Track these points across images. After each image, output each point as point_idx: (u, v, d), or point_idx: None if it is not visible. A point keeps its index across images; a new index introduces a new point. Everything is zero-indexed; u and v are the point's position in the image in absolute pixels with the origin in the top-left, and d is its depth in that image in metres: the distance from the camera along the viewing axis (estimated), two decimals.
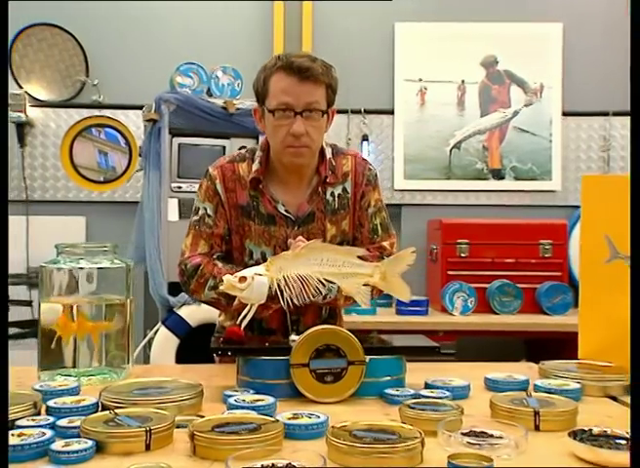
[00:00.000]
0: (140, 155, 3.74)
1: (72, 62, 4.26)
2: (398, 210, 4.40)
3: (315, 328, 1.55)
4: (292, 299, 1.58)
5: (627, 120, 4.17)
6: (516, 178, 4.41)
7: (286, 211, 1.95)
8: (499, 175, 4.41)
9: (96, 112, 4.29)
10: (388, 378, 1.58)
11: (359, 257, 1.65)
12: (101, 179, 4.31)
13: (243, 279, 1.57)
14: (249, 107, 3.51)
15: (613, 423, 1.37)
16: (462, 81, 4.41)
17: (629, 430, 1.10)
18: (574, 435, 1.19)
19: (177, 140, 3.57)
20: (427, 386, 1.61)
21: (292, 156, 1.89)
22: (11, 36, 4.18)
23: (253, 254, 1.96)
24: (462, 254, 3.94)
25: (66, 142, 4.27)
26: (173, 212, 3.52)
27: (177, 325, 3.38)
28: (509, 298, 3.83)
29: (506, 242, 3.94)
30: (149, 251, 3.45)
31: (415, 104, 4.40)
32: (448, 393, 1.53)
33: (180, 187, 3.56)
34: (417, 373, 1.70)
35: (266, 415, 1.30)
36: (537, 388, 1.58)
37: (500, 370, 1.75)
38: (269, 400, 1.43)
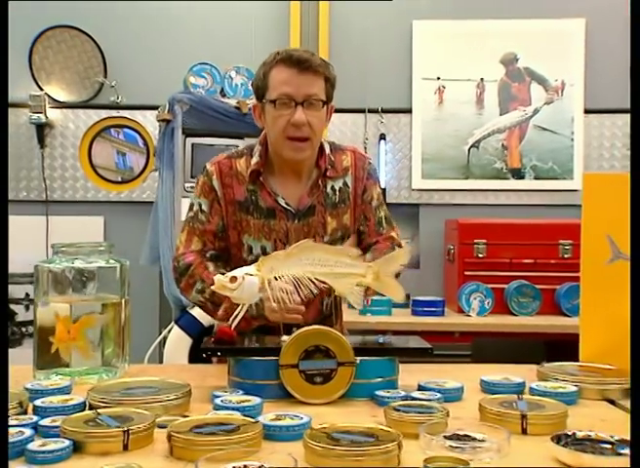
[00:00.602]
0: (154, 155, 3.75)
1: (91, 64, 4.29)
2: (416, 209, 4.38)
3: (305, 328, 1.53)
4: (283, 300, 1.57)
5: None
6: (536, 178, 4.36)
7: (286, 203, 1.95)
8: (518, 174, 4.36)
9: (114, 113, 4.32)
10: (380, 380, 1.56)
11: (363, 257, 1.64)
12: (119, 180, 4.34)
13: (234, 279, 1.56)
14: None
15: (605, 427, 1.34)
16: (481, 79, 4.37)
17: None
18: (557, 439, 1.16)
19: (190, 140, 3.58)
20: (420, 388, 1.58)
21: (292, 151, 1.89)
22: (31, 38, 4.23)
23: (252, 249, 1.96)
24: (480, 255, 3.90)
25: (85, 143, 4.31)
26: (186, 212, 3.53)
27: (189, 324, 3.38)
28: (528, 299, 3.78)
29: (525, 242, 3.88)
30: (163, 250, 3.47)
31: (433, 103, 4.37)
32: (439, 395, 1.50)
33: (193, 187, 3.55)
34: (417, 375, 1.69)
35: (249, 416, 1.29)
36: (532, 391, 1.55)
37: (504, 372, 1.72)
38: (256, 401, 1.42)
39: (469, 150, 4.37)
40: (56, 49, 4.27)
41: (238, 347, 1.60)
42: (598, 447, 1.15)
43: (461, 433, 1.23)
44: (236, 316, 1.60)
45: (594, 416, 1.43)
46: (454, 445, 1.17)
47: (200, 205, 1.99)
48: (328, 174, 1.98)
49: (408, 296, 3.78)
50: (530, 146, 4.37)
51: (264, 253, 1.90)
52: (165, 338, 3.46)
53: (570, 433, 1.18)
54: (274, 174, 1.99)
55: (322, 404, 1.51)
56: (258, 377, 1.54)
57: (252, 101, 3.62)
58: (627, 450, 1.13)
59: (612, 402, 1.56)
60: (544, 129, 4.38)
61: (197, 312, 3.39)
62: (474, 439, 1.21)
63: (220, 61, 3.99)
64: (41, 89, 4.25)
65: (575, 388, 1.55)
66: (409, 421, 1.28)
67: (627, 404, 1.47)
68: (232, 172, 1.98)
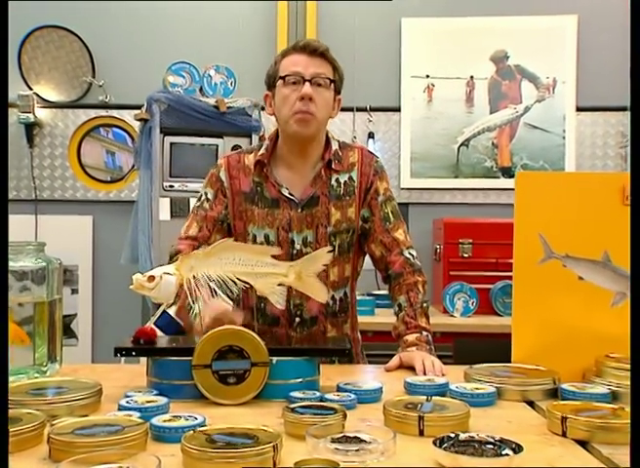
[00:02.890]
0: (135, 154, 3.76)
1: (79, 63, 4.30)
2: (405, 209, 4.33)
3: (218, 328, 1.52)
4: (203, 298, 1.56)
5: None
6: None
7: (290, 194, 2.01)
8: (509, 173, 4.31)
9: (102, 113, 4.33)
10: (299, 381, 1.54)
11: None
12: (109, 179, 4.35)
13: (152, 278, 1.55)
14: (242, 106, 3.51)
15: (508, 428, 1.32)
16: (471, 77, 4.33)
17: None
18: (440, 441, 1.14)
19: (169, 139, 3.59)
20: (339, 389, 1.56)
21: (298, 124, 1.94)
22: (20, 38, 4.25)
23: (256, 238, 2.02)
24: (465, 254, 3.86)
25: (74, 142, 4.33)
26: (164, 211, 3.53)
27: (167, 324, 3.35)
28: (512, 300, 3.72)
29: (511, 241, 3.82)
30: (141, 250, 3.47)
31: (422, 101, 4.34)
32: (353, 396, 1.48)
33: (172, 186, 3.57)
34: (356, 376, 1.70)
35: (144, 418, 1.27)
36: (451, 392, 1.52)
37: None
38: (162, 401, 1.40)
39: (459, 149, 4.33)
40: (44, 49, 4.29)
41: (151, 347, 1.58)
42: (480, 448, 1.12)
43: (351, 435, 1.21)
44: (156, 315, 1.59)
45: (503, 418, 1.40)
46: (338, 447, 1.16)
47: (206, 194, 2.09)
48: (333, 166, 2.04)
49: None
50: (520, 145, 4.33)
51: (267, 240, 2.00)
52: None
53: (452, 435, 1.16)
54: (280, 165, 2.06)
55: (236, 404, 1.50)
56: (173, 378, 1.52)
57: (231, 100, 3.64)
58: (508, 451, 1.11)
59: (532, 403, 1.52)
60: (535, 127, 4.33)
61: (175, 311, 3.38)
62: (362, 441, 1.18)
63: (208, 61, 3.99)
64: (31, 88, 4.27)
65: (493, 389, 1.52)
66: (303, 423, 1.26)
67: (545, 405, 1.43)
68: (240, 165, 2.07)
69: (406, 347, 1.94)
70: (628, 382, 1.53)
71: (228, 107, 3.54)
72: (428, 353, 1.90)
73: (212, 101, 3.61)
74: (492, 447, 1.13)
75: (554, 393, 1.55)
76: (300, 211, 2.00)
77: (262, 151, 2.03)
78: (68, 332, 4.29)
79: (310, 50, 1.95)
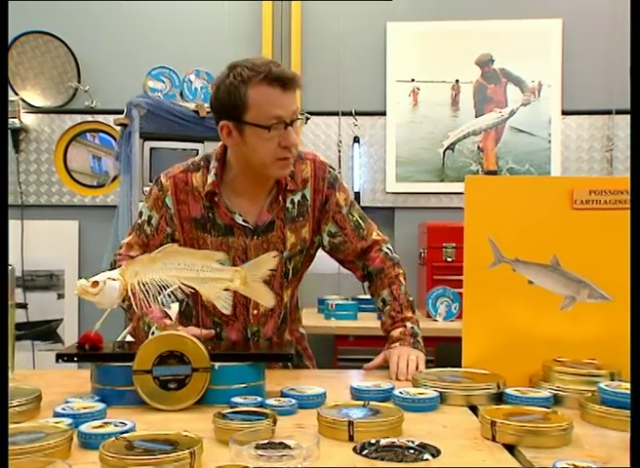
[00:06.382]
0: (116, 159, 3.77)
1: (65, 69, 4.32)
2: (391, 213, 4.34)
3: (159, 334, 1.52)
4: (148, 303, 1.56)
5: None
6: None
7: (244, 221, 1.91)
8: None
9: (88, 118, 4.34)
10: (243, 386, 1.53)
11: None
12: (95, 184, 4.36)
13: (95, 283, 1.55)
14: None
15: (439, 433, 1.32)
16: (457, 81, 4.32)
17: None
18: (361, 447, 1.13)
19: (148, 144, 3.59)
20: (282, 394, 1.55)
21: (281, 169, 1.84)
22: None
23: None
24: (449, 258, 3.85)
25: (60, 148, 4.34)
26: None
27: None
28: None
29: None
30: None
31: (407, 105, 4.33)
32: (294, 402, 1.48)
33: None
34: (307, 382, 1.69)
35: (73, 424, 1.27)
36: (393, 397, 1.52)
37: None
38: (98, 407, 1.40)
39: (444, 153, 4.32)
40: (30, 54, 4.31)
41: (93, 352, 1.58)
42: (400, 453, 1.12)
43: (277, 441, 1.20)
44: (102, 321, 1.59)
45: (439, 423, 1.39)
46: (261, 453, 1.15)
47: (150, 218, 1.96)
48: (288, 187, 1.93)
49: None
50: (506, 148, 4.31)
51: None
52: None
53: (374, 441, 1.15)
54: (231, 190, 1.93)
55: (176, 410, 1.49)
56: (115, 383, 1.52)
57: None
58: (428, 456, 1.10)
59: (474, 407, 1.51)
60: (521, 130, 4.32)
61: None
62: (287, 447, 1.18)
63: (193, 64, 3.99)
64: (16, 94, 4.28)
65: (435, 394, 1.51)
66: (231, 428, 1.26)
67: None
68: (188, 187, 1.92)
69: (391, 343, 1.94)
70: (573, 386, 1.53)
71: (208, 112, 3.54)
72: (411, 346, 1.91)
73: (192, 106, 3.62)
74: (412, 452, 1.13)
75: (499, 397, 1.54)
76: (255, 238, 1.92)
77: (211, 179, 1.89)
78: (54, 337, 4.30)
79: (286, 86, 1.77)
